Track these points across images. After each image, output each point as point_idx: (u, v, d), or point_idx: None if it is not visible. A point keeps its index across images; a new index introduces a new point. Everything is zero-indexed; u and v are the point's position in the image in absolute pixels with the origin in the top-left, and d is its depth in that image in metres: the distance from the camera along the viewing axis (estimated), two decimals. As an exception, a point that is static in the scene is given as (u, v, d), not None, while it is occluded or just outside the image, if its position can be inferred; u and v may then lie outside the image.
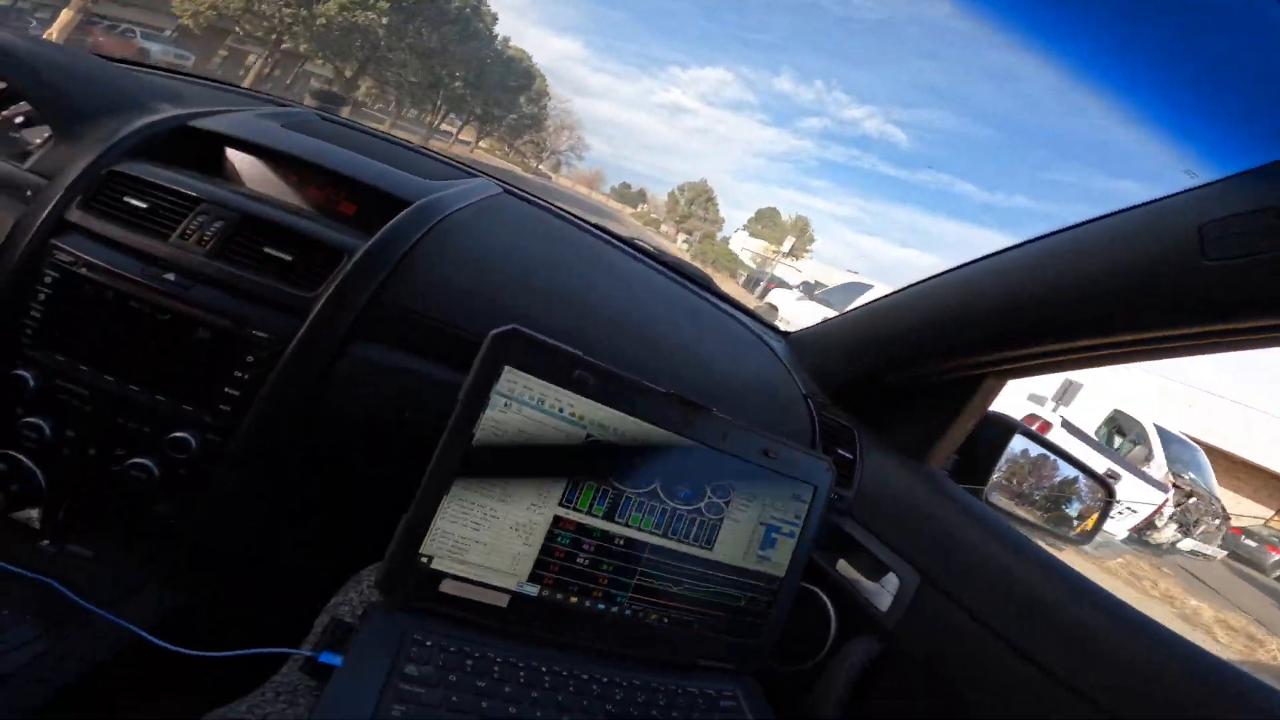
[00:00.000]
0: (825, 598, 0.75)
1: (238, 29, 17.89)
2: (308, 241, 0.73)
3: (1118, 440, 8.20)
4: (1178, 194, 0.56)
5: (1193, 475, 8.10)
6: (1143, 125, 0.52)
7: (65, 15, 14.41)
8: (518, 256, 0.85)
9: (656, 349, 0.84)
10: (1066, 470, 0.99)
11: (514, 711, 0.50)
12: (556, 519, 0.59)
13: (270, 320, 0.70)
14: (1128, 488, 6.81)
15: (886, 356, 0.87)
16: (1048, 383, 7.59)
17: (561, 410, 0.58)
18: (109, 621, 0.62)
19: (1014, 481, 0.95)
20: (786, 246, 34.14)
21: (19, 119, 0.83)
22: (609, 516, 0.60)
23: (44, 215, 0.69)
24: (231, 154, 0.86)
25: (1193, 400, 14.39)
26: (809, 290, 12.19)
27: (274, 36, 17.65)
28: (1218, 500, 8.59)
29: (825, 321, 1.05)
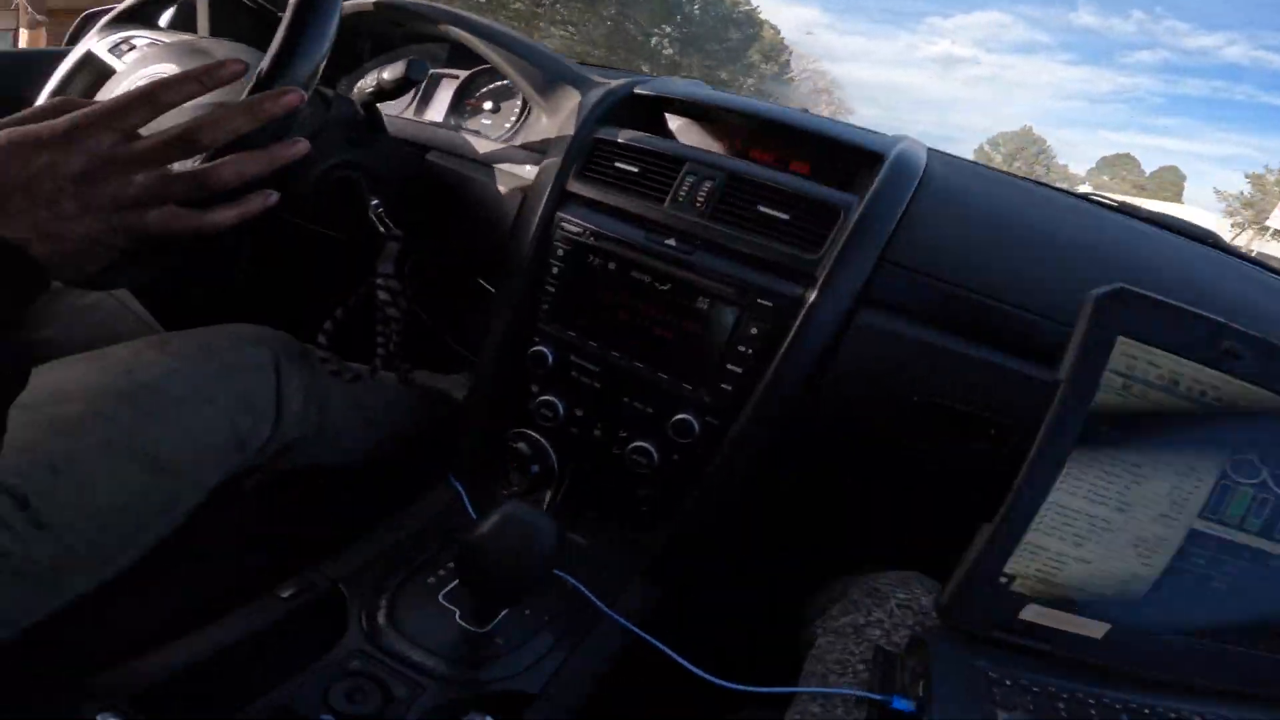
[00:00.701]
0: None
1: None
2: (800, 199, 0.64)
3: None
4: None
5: None
6: None
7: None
8: (1015, 212, 0.70)
9: (1253, 317, 0.62)
10: None
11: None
12: (1192, 533, 0.45)
13: (774, 286, 0.62)
14: None
15: None
16: None
17: (1203, 395, 0.43)
18: (617, 625, 0.58)
19: None
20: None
21: (487, 104, 0.87)
22: (1267, 533, 0.45)
23: (550, 185, 0.69)
24: (671, 119, 0.82)
25: None
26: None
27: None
28: None
29: None
